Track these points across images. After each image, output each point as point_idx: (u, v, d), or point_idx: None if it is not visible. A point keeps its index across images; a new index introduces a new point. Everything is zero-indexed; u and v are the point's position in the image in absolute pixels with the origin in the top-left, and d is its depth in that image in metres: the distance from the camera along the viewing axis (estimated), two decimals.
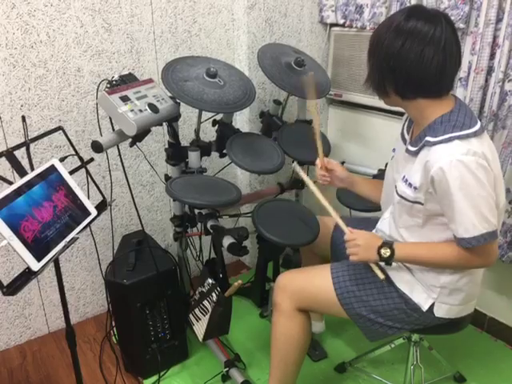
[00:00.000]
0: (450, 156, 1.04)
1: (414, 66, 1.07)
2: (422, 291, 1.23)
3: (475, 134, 1.07)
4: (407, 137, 1.25)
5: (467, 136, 1.06)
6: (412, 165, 1.15)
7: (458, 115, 1.10)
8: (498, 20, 1.54)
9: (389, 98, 1.18)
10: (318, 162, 1.44)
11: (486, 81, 1.62)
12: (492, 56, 1.59)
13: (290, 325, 1.36)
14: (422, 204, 1.14)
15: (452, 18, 1.61)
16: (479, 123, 1.10)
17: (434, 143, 1.08)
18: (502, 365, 1.79)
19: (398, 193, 1.20)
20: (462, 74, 1.66)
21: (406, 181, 1.16)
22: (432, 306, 1.23)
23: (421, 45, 1.05)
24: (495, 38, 1.56)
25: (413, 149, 1.16)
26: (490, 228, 1.07)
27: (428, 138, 1.10)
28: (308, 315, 1.39)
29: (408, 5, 1.76)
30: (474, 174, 1.03)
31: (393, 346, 1.63)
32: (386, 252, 1.18)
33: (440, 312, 1.23)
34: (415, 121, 1.21)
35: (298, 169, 1.46)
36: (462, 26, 1.63)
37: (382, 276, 1.22)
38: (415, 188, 1.13)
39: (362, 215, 1.66)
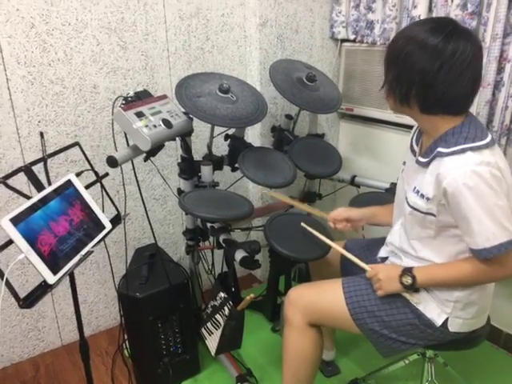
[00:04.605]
0: (464, 167, 1.04)
1: (449, 87, 1.06)
2: (436, 306, 1.22)
3: (487, 146, 1.07)
4: (416, 148, 1.26)
5: (479, 148, 1.06)
6: (423, 175, 1.15)
7: (470, 127, 1.10)
8: (506, 34, 1.55)
9: (409, 109, 1.15)
10: (329, 223, 1.49)
11: (494, 95, 1.62)
12: (500, 70, 1.59)
13: (302, 340, 1.35)
14: (435, 216, 1.14)
15: None
16: (490, 136, 1.10)
17: (447, 154, 1.08)
18: None
19: (409, 204, 1.20)
20: None
21: (418, 192, 1.16)
22: (446, 321, 1.22)
23: (460, 68, 1.04)
24: (503, 52, 1.57)
25: (424, 160, 1.16)
26: (510, 236, 1.06)
27: (440, 149, 1.10)
28: (320, 330, 1.38)
29: (418, 20, 1.77)
30: (488, 183, 1.03)
31: (407, 362, 1.61)
32: (407, 280, 1.19)
33: (454, 327, 1.22)
34: (426, 132, 1.21)
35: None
36: None
37: (416, 300, 1.23)
38: (428, 199, 1.13)
39: (374, 229, 1.65)
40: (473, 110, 1.65)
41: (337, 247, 1.42)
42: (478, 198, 1.03)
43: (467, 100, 1.11)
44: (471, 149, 1.06)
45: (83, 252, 1.14)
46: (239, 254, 1.46)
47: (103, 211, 1.27)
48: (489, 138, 1.09)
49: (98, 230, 1.23)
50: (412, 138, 1.30)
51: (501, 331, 1.93)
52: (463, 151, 1.06)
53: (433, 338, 1.25)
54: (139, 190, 1.55)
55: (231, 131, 1.86)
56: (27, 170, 1.12)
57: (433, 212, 1.14)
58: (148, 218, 1.64)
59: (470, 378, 1.72)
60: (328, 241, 1.42)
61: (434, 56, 1.05)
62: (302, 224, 1.49)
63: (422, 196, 1.15)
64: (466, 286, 1.18)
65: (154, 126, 1.44)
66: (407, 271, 1.20)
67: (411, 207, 1.19)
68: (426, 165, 1.15)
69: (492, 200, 1.04)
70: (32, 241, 1.00)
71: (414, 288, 1.21)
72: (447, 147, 1.09)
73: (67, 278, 1.15)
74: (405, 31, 1.14)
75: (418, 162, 1.20)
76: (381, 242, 1.43)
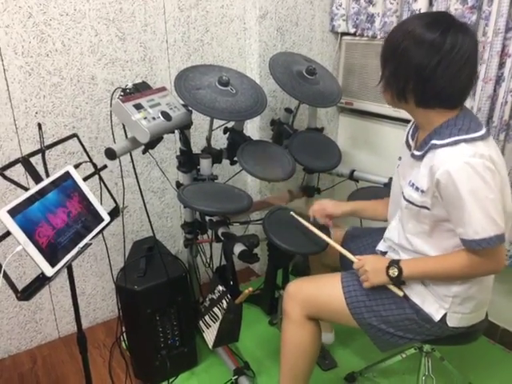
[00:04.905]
0: (457, 158, 1.04)
1: (447, 82, 1.06)
2: (434, 301, 1.22)
3: (481, 138, 1.07)
4: (412, 143, 1.26)
5: (473, 139, 1.06)
6: (418, 169, 1.16)
7: (464, 120, 1.10)
8: (508, 29, 1.54)
9: (406, 104, 1.15)
10: (310, 221, 1.48)
11: (495, 90, 1.61)
12: (501, 65, 1.58)
13: (300, 333, 1.35)
14: (429, 209, 1.14)
15: None
16: (484, 128, 1.10)
17: (441, 146, 1.08)
18: None
19: (405, 197, 1.20)
20: None
21: (413, 185, 1.17)
22: (444, 316, 1.22)
23: (458, 63, 1.05)
24: (504, 47, 1.56)
25: (418, 153, 1.16)
26: (499, 231, 1.06)
27: (434, 141, 1.10)
28: (318, 324, 1.38)
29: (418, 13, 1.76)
30: (481, 176, 1.03)
31: (404, 356, 1.62)
32: (393, 272, 1.20)
33: (452, 322, 1.22)
34: (421, 126, 1.21)
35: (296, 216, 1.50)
36: None
37: (400, 293, 1.23)
38: (422, 191, 1.13)
39: (372, 224, 1.65)
40: (474, 105, 1.65)
41: (323, 236, 1.40)
42: (470, 190, 1.04)
43: (464, 94, 1.12)
44: (465, 140, 1.06)
45: (81, 244, 1.14)
46: (238, 248, 1.46)
47: (101, 204, 1.27)
48: (483, 131, 1.09)
49: (97, 222, 1.23)
50: (408, 133, 1.31)
51: (497, 326, 1.94)
52: (457, 143, 1.06)
53: (430, 332, 1.26)
54: (137, 182, 1.55)
55: (230, 124, 1.85)
56: (25, 161, 1.11)
57: (427, 205, 1.14)
58: (146, 210, 1.63)
59: (467, 373, 1.73)
60: (315, 229, 1.41)
61: (432, 51, 1.05)
62: (291, 213, 1.49)
63: (417, 189, 1.15)
64: (455, 279, 1.18)
65: (153, 119, 1.43)
66: (394, 263, 1.20)
67: (407, 200, 1.19)
68: (421, 158, 1.15)
69: (484, 193, 1.04)
70: (30, 233, 1.00)
71: (400, 280, 1.21)
72: (441, 139, 1.09)
73: (65, 270, 1.15)
74: (401, 25, 1.14)
75: (412, 155, 1.20)
76: (384, 231, 1.42)
